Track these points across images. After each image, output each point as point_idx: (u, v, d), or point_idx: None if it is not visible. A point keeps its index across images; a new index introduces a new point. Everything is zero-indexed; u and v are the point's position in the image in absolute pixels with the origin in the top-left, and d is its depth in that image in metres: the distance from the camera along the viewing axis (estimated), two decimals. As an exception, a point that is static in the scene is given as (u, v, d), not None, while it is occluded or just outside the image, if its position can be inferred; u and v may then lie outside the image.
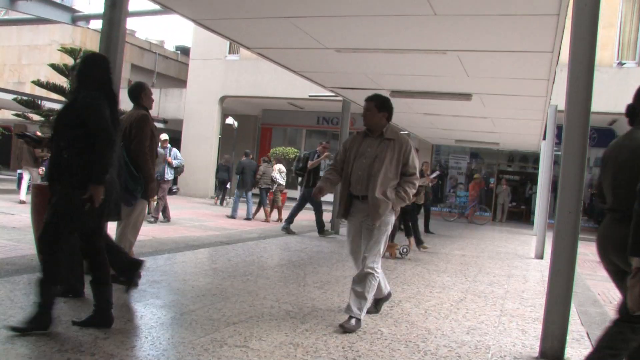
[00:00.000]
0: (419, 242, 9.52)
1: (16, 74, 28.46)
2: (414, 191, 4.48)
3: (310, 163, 10.75)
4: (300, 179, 11.50)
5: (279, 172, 14.17)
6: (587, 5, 3.78)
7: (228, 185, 18.11)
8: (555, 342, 3.85)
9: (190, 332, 3.75)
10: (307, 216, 16.55)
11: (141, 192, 4.93)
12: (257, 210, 14.31)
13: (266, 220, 13.85)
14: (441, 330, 4.41)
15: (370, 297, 4.28)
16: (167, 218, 11.27)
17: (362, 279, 4.25)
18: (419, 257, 8.61)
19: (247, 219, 13.72)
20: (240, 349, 3.47)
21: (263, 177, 14.08)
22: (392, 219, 4.44)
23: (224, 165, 17.60)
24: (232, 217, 13.81)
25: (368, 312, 4.43)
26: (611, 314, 6.13)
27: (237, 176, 14.22)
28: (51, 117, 6.59)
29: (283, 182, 14.27)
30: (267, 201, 14.12)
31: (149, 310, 4.26)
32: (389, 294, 4.91)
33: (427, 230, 12.48)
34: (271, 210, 14.22)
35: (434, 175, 10.44)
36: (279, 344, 3.65)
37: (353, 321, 4.17)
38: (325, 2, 5.31)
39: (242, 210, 14.40)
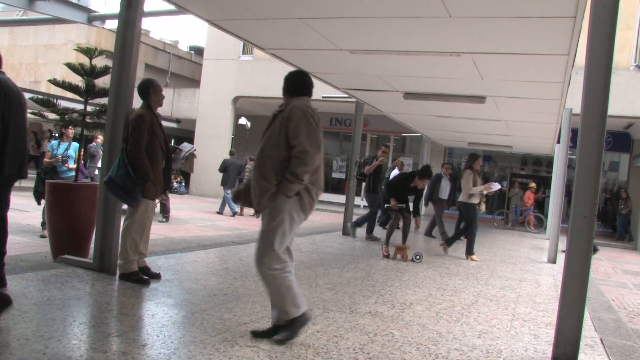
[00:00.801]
0: (449, 244, 9.49)
1: (32, 73, 28.77)
2: (304, 170, 3.56)
3: (366, 168, 10.69)
4: (363, 184, 11.48)
5: None
6: (605, 7, 3.74)
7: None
8: (568, 348, 3.81)
9: (202, 331, 3.76)
10: (318, 217, 16.56)
11: (141, 193, 4.93)
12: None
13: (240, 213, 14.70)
14: (452, 334, 4.38)
15: (283, 293, 3.61)
16: (166, 218, 11.22)
17: (263, 280, 3.69)
18: (430, 259, 8.58)
19: (233, 214, 14.30)
20: (252, 349, 3.48)
21: (248, 174, 14.56)
22: (285, 208, 3.60)
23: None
24: (235, 213, 14.32)
25: (281, 341, 3.66)
26: (625, 320, 6.07)
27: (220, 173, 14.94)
28: (66, 116, 6.64)
29: None
30: None
31: (160, 309, 4.28)
32: (304, 317, 3.74)
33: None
34: None
35: (494, 190, 10.21)
36: (289, 345, 3.64)
37: (282, 334, 3.68)
38: (339, 3, 5.31)
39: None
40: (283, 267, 3.63)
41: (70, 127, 7.98)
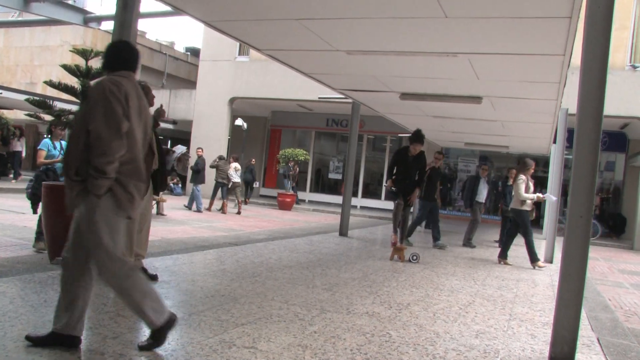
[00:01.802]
0: (504, 256, 9.19)
1: (28, 74, 28.72)
2: (105, 162, 3.04)
3: None
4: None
5: (234, 170, 15.80)
6: (600, 7, 3.75)
7: (255, 185, 20.70)
8: (565, 348, 3.82)
9: (199, 332, 3.76)
10: (315, 218, 16.56)
11: None
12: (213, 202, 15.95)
13: (222, 212, 15.44)
14: (450, 334, 4.39)
15: (135, 299, 3.20)
16: None
17: (116, 292, 3.29)
18: (427, 260, 8.58)
19: (198, 211, 14.97)
20: (249, 350, 3.47)
21: (219, 172, 15.58)
22: (96, 210, 3.12)
23: (248, 167, 20.13)
24: (199, 210, 14.88)
25: (143, 347, 3.31)
26: (622, 319, 6.08)
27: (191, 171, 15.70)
28: (63, 117, 6.63)
29: (238, 179, 15.98)
30: (226, 196, 15.92)
31: (157, 310, 4.27)
32: (170, 322, 3.33)
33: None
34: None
35: (552, 199, 9.90)
36: (287, 346, 3.64)
37: (147, 342, 3.33)
38: (335, 4, 5.31)
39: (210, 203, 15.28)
40: (129, 269, 3.22)
41: (60, 126, 7.14)
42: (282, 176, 20.93)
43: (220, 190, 15.67)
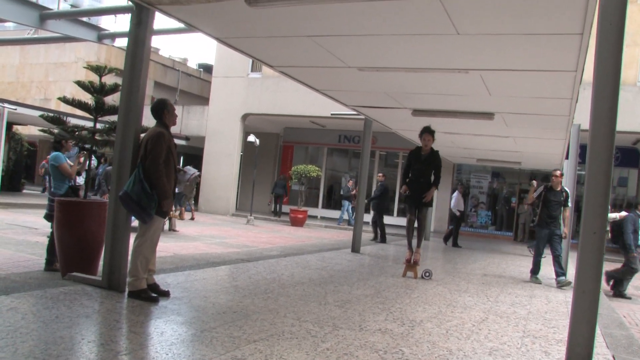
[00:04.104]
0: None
1: (43, 90, 29.12)
2: None
3: (528, 199, 10.02)
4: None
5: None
6: (612, 24, 3.75)
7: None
8: (581, 366, 3.77)
9: (211, 349, 3.75)
10: (328, 234, 16.53)
11: (155, 209, 5.03)
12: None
13: (181, 218, 16.31)
14: (463, 351, 4.34)
15: None
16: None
17: None
18: (440, 276, 8.53)
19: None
20: (260, 367, 3.46)
21: (177, 184, 16.42)
22: None
23: (280, 182, 21.47)
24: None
25: None
26: (637, 336, 5.99)
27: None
28: (76, 133, 6.70)
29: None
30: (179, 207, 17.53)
31: (169, 326, 4.27)
32: None
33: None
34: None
35: (618, 215, 9.59)
36: (298, 363, 3.62)
37: None
38: (348, 21, 5.35)
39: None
40: None
41: (70, 140, 7.03)
42: (341, 197, 20.76)
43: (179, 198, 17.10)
